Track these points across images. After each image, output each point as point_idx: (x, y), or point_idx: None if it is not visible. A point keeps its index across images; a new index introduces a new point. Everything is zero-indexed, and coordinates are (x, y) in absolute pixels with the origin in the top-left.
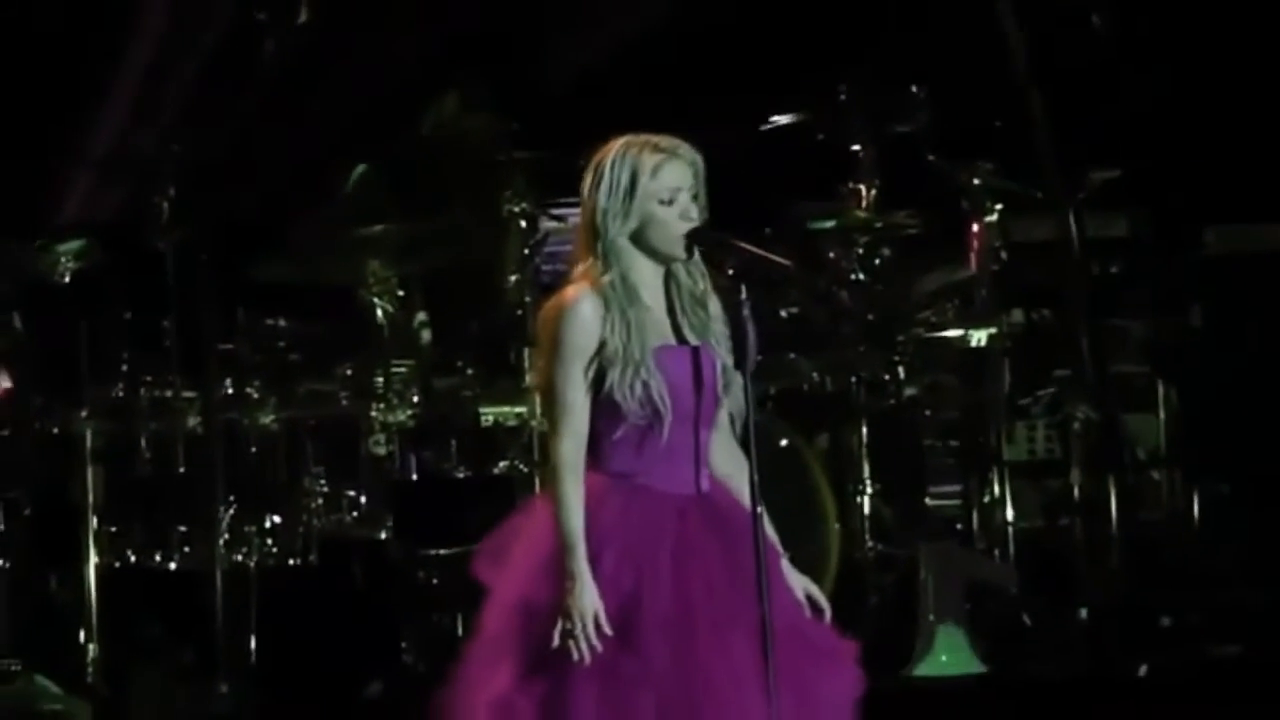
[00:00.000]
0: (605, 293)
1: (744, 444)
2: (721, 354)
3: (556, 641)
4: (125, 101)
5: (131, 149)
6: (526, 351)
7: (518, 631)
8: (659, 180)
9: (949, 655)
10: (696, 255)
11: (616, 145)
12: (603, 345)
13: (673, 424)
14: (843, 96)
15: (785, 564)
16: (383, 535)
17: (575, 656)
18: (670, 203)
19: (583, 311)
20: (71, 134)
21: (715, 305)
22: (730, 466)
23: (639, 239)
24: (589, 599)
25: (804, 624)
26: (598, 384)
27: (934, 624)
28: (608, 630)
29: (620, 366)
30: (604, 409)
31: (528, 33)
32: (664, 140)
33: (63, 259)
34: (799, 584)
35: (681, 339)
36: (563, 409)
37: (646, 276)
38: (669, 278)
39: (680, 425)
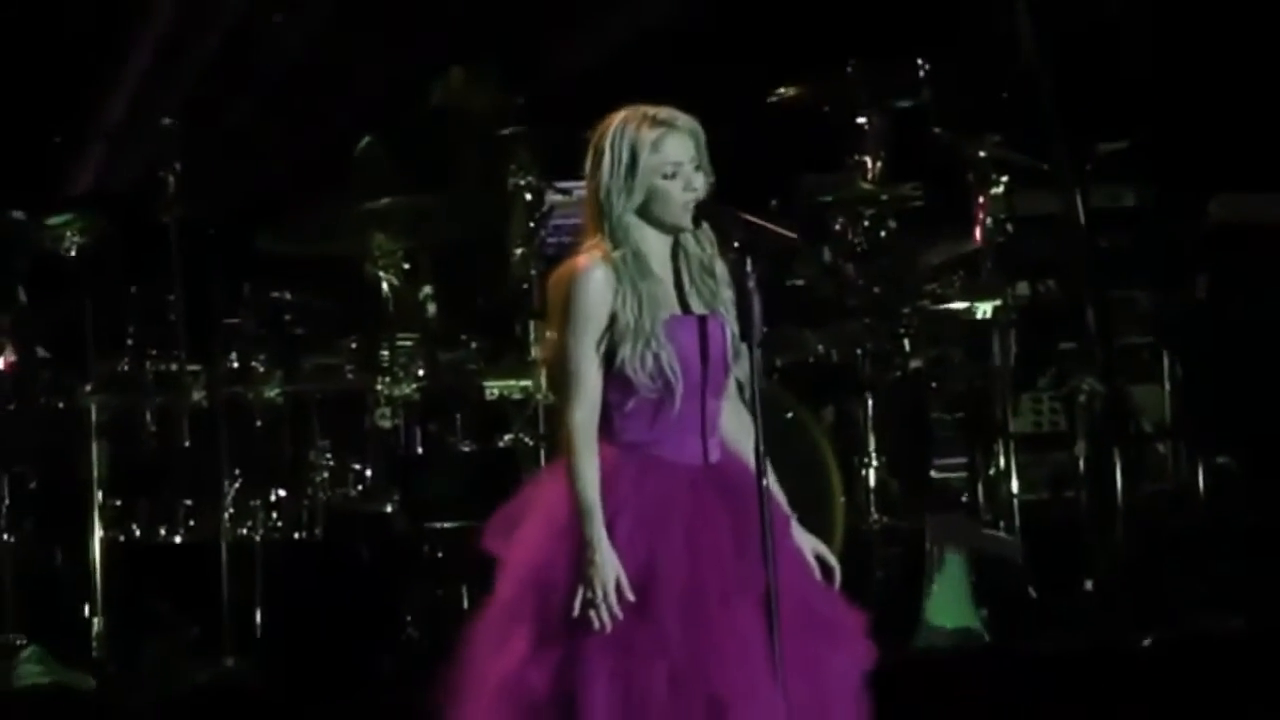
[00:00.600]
0: (616, 266)
1: (751, 415)
2: (730, 321)
3: (577, 611)
4: (133, 75)
5: (139, 122)
6: (532, 325)
7: (530, 603)
8: (660, 154)
9: (949, 594)
10: (705, 223)
11: (615, 120)
12: (614, 318)
13: (683, 395)
14: (848, 69)
15: (795, 527)
16: (388, 509)
17: (596, 625)
18: (673, 176)
19: (595, 278)
20: (79, 107)
21: (723, 270)
22: (741, 433)
23: (645, 213)
24: (610, 566)
25: (813, 595)
26: (609, 359)
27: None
28: (630, 596)
29: (631, 341)
30: (615, 383)
31: (534, 9)
32: (661, 112)
33: (68, 233)
34: (809, 545)
35: (690, 308)
36: (575, 376)
37: (655, 248)
38: (677, 246)
39: (690, 395)
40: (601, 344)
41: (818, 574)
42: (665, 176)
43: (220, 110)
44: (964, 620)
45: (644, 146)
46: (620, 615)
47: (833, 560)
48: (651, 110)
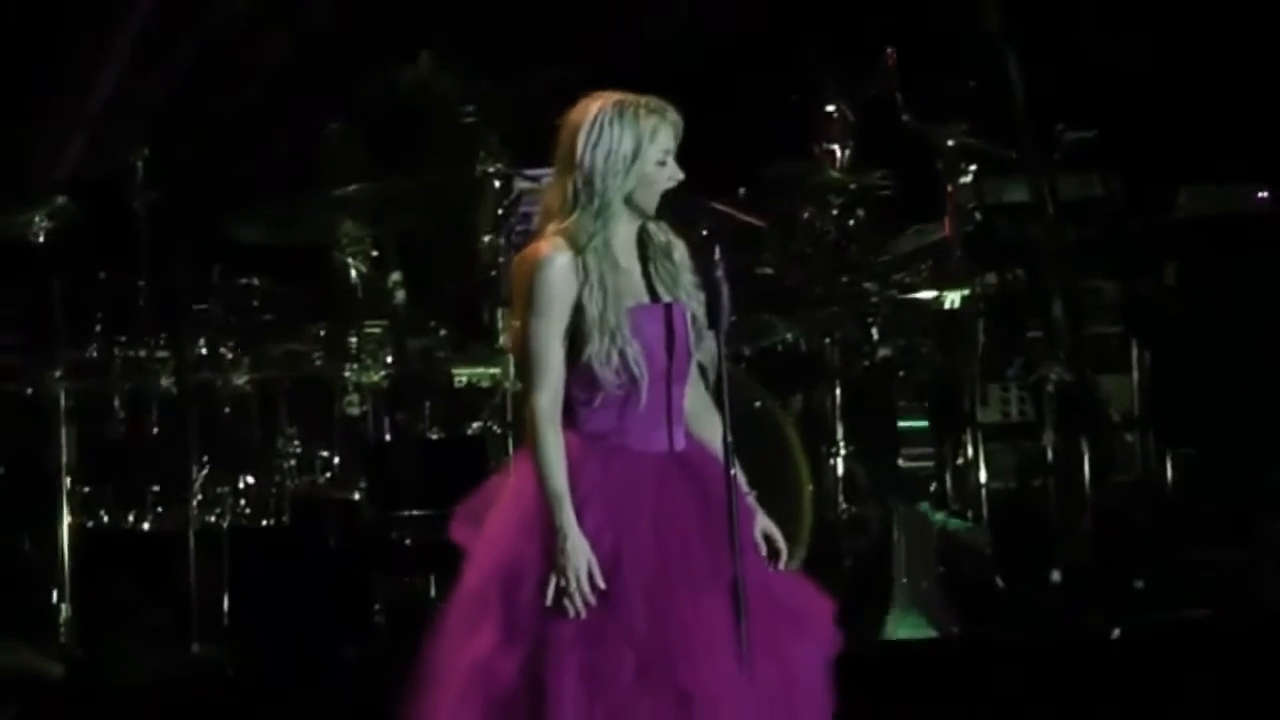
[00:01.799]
0: (585, 254)
1: (718, 405)
2: (692, 305)
3: (550, 599)
4: (100, 60)
5: (106, 107)
6: (500, 312)
7: (498, 593)
8: (657, 142)
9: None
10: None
11: (607, 104)
12: (580, 309)
13: (648, 385)
14: (816, 58)
15: (753, 506)
16: (356, 496)
17: (570, 613)
18: (663, 164)
19: (558, 264)
20: (47, 93)
21: (682, 255)
22: (704, 418)
23: (628, 199)
24: (581, 552)
25: (779, 584)
26: (575, 353)
27: (905, 589)
28: (601, 583)
29: (597, 336)
30: (581, 379)
31: None
32: (653, 101)
33: (36, 218)
34: (759, 525)
35: (655, 295)
36: (538, 362)
37: (623, 236)
38: (642, 233)
39: (655, 384)
40: (565, 332)
41: (764, 551)
42: (658, 164)
43: (188, 95)
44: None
45: (645, 134)
46: (593, 602)
47: (781, 542)
48: (642, 98)
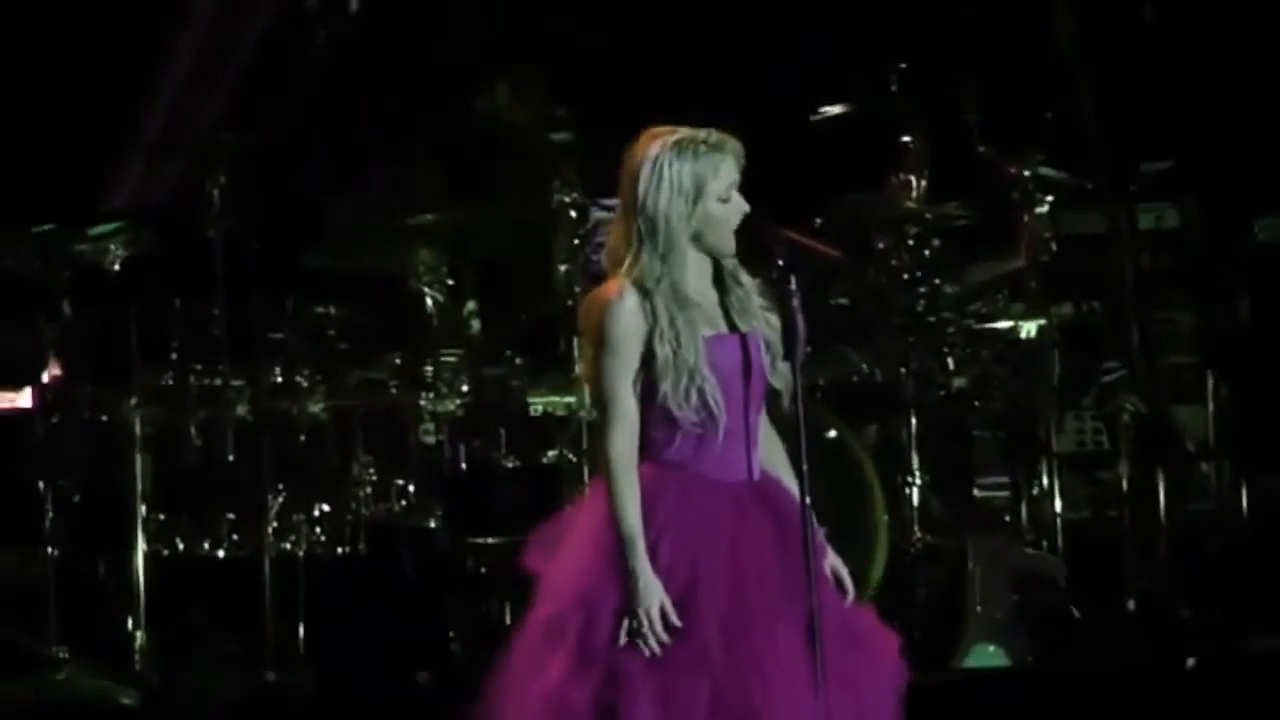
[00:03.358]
0: (653, 296)
1: (794, 434)
2: (764, 331)
3: (623, 640)
4: (178, 87)
5: (184, 135)
6: (576, 341)
7: (573, 623)
8: (719, 180)
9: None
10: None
11: (666, 143)
12: (651, 352)
13: (726, 415)
14: (893, 87)
15: (823, 543)
16: (431, 524)
17: (645, 653)
18: (727, 200)
19: (627, 308)
20: (123, 120)
21: (750, 282)
22: (772, 451)
23: (696, 237)
24: (654, 595)
25: (850, 615)
26: (650, 392)
27: (980, 619)
28: (676, 623)
29: (673, 376)
30: (659, 417)
31: (577, 22)
32: (712, 135)
33: (113, 246)
34: (828, 563)
35: (731, 324)
36: (611, 404)
37: (694, 271)
38: (716, 265)
39: (732, 414)
40: (639, 374)
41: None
42: (721, 200)
43: (264, 122)
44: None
45: (708, 171)
46: (667, 641)
47: (847, 578)
48: (699, 133)
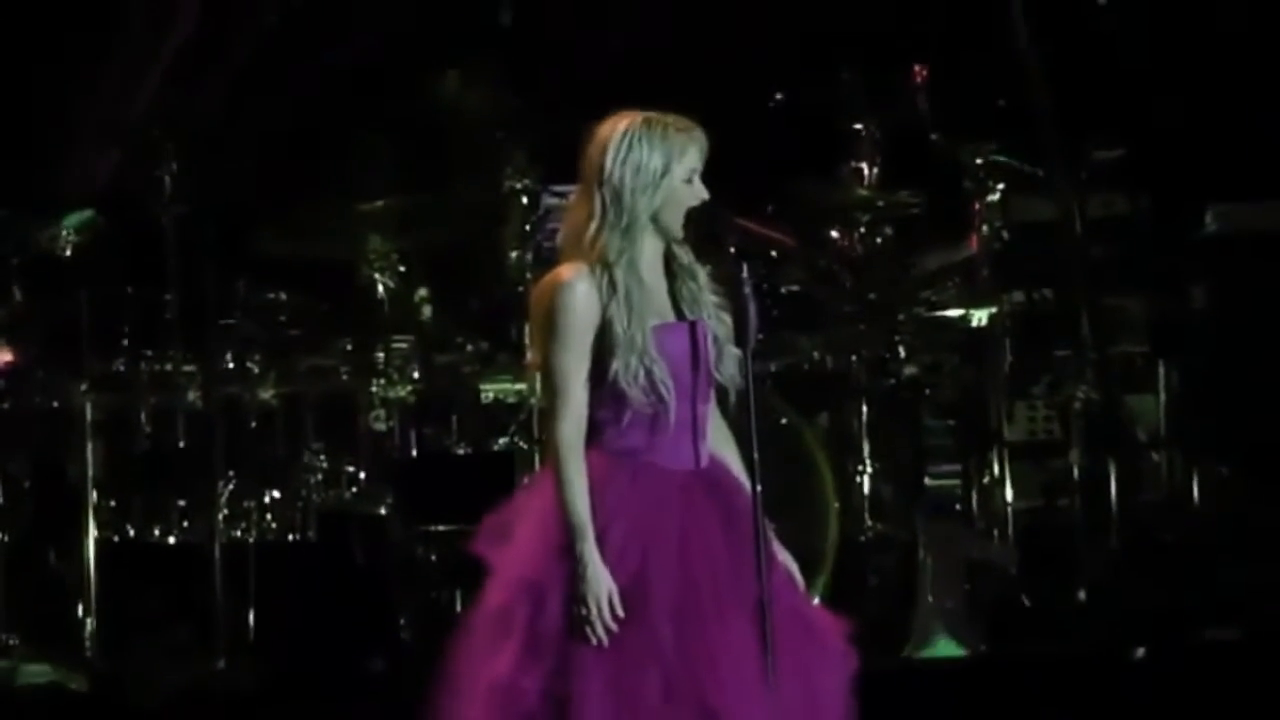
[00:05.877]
0: (611, 272)
1: (744, 421)
2: (713, 326)
3: (571, 629)
4: (125, 73)
5: (132, 121)
6: (527, 328)
7: (521, 611)
8: (685, 161)
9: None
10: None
11: (635, 122)
12: (604, 328)
13: (675, 402)
14: (845, 75)
15: (773, 538)
16: (382, 511)
17: (593, 641)
18: (690, 182)
19: (579, 291)
20: (72, 105)
21: (703, 276)
22: (720, 440)
23: (655, 216)
24: (602, 583)
25: (799, 603)
26: (600, 373)
27: (931, 608)
28: (621, 613)
29: (623, 354)
30: (609, 397)
31: (530, 12)
32: (680, 119)
33: (64, 232)
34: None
35: (680, 314)
36: (561, 390)
37: (649, 255)
38: (668, 252)
39: (681, 402)
40: (588, 356)
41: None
42: (685, 182)
43: (216, 109)
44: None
45: (674, 151)
46: (615, 629)
47: (798, 576)
48: (668, 117)
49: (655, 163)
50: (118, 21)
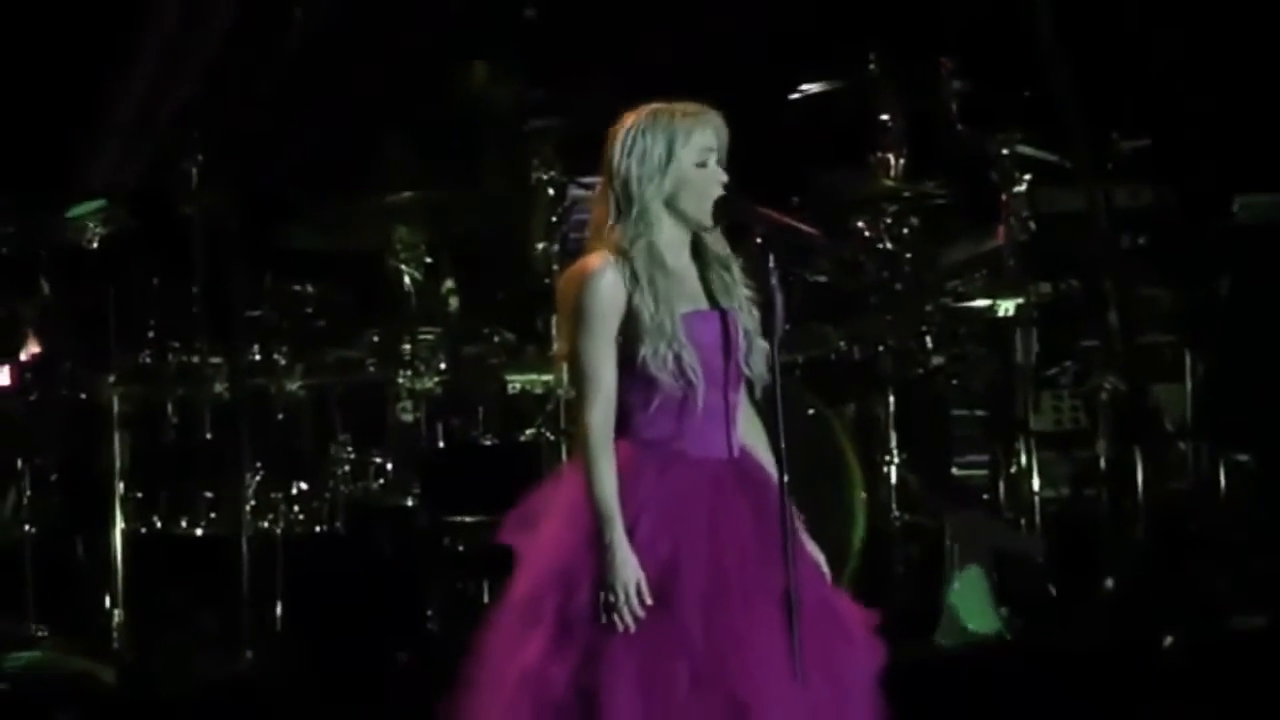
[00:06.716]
0: (632, 260)
1: (771, 412)
2: (744, 318)
3: (602, 617)
4: (154, 66)
5: (160, 114)
6: (554, 319)
7: (551, 601)
8: (692, 143)
9: (971, 600)
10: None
11: (643, 113)
12: (630, 315)
13: (705, 390)
14: (871, 66)
15: (798, 528)
16: (409, 502)
17: (620, 628)
18: (703, 165)
19: (606, 280)
20: (100, 99)
21: (737, 268)
22: (750, 434)
23: (671, 204)
24: (630, 570)
25: (828, 594)
26: (629, 358)
27: (956, 574)
28: (649, 601)
29: (651, 339)
30: (638, 383)
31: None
32: (689, 105)
33: (91, 225)
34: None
35: (712, 302)
36: (590, 379)
37: (673, 242)
38: (696, 241)
39: (711, 389)
40: (616, 344)
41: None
42: (697, 165)
43: (242, 102)
44: (985, 625)
45: (679, 135)
46: (642, 617)
47: (823, 561)
48: (678, 104)
49: (659, 149)
50: (151, 17)
